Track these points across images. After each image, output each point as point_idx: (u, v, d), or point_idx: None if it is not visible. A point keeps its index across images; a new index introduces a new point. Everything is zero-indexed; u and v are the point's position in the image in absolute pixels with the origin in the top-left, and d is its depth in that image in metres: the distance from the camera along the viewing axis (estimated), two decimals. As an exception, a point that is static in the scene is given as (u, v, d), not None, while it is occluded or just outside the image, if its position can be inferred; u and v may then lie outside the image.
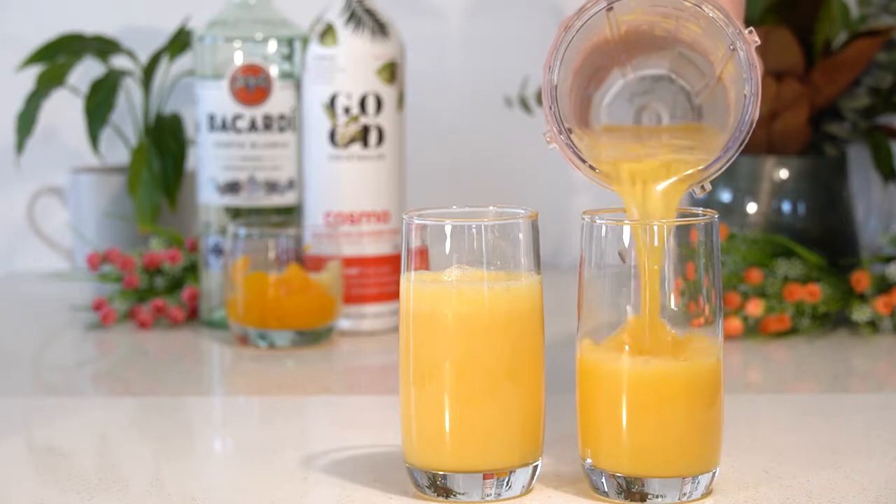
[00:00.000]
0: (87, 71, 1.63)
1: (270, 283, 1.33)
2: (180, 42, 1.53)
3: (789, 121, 1.42)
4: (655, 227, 0.87)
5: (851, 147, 1.52)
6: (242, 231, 1.34)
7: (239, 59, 1.39)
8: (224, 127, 1.39)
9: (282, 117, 1.40)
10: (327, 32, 1.37)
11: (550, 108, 0.90)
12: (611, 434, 0.88)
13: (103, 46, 1.53)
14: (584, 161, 0.90)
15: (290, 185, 1.41)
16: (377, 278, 1.39)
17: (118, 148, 1.64)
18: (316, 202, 1.39)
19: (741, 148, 0.90)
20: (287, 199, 1.41)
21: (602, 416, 0.88)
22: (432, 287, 0.89)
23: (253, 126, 1.39)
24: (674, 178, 0.90)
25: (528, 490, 0.90)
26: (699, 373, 0.88)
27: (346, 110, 1.37)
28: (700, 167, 0.90)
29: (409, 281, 0.90)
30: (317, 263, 1.35)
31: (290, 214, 1.41)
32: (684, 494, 0.88)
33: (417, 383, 0.89)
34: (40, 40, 1.54)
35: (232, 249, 1.34)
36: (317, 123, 1.38)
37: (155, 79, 1.55)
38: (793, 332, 1.35)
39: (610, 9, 0.90)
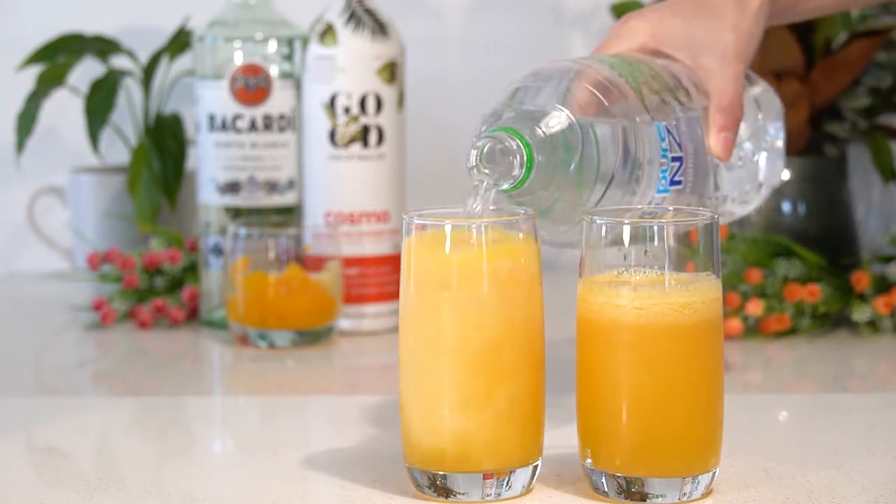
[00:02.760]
0: (87, 71, 1.63)
1: (270, 283, 1.33)
2: (180, 42, 1.53)
3: (789, 121, 1.41)
4: (655, 227, 0.87)
5: (851, 147, 1.52)
6: (242, 231, 1.34)
7: (239, 59, 1.39)
8: (224, 127, 1.39)
9: (282, 117, 1.40)
10: (327, 32, 1.37)
11: None
12: (610, 392, 0.88)
13: (103, 46, 1.54)
14: None
15: (290, 185, 1.41)
16: (377, 278, 1.39)
17: (118, 148, 1.64)
18: (316, 202, 1.39)
19: None
20: (287, 199, 1.41)
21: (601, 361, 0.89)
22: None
23: (253, 126, 1.39)
24: None
25: (528, 490, 0.90)
26: (700, 309, 0.88)
27: (346, 110, 1.37)
28: None
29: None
30: (317, 263, 1.35)
31: (290, 214, 1.41)
32: (684, 494, 0.88)
33: (417, 383, 0.89)
34: (40, 40, 1.54)
35: (232, 249, 1.34)
36: (317, 123, 1.38)
37: (155, 79, 1.55)
38: (793, 332, 1.35)
39: None
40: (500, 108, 0.95)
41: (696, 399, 0.88)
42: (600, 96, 0.94)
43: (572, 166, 0.92)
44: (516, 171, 0.90)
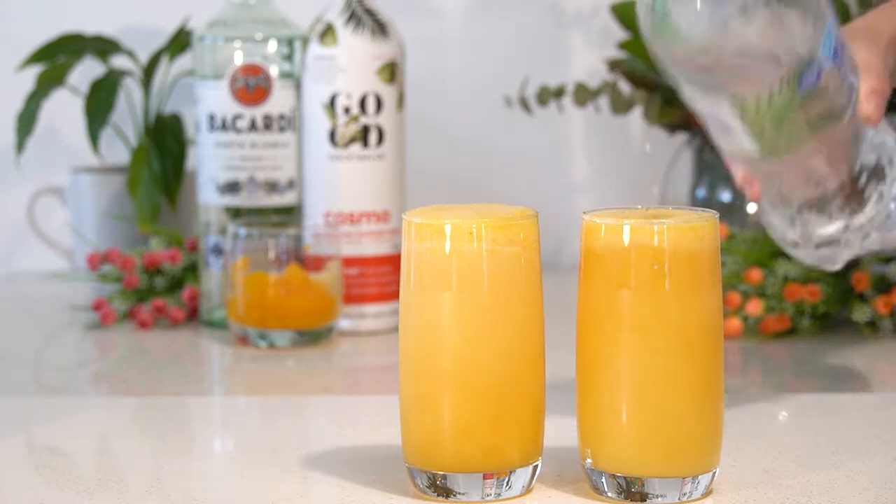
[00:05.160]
0: (87, 71, 1.63)
1: (270, 283, 1.33)
2: (180, 42, 1.53)
3: (789, 121, 1.42)
4: (655, 227, 0.87)
5: (851, 147, 1.51)
6: (242, 231, 1.34)
7: (239, 59, 1.39)
8: (224, 127, 1.39)
9: (282, 117, 1.40)
10: (327, 32, 1.37)
11: None
12: (610, 383, 0.88)
13: (103, 46, 1.54)
14: None
15: (290, 185, 1.41)
16: (377, 278, 1.39)
17: (118, 148, 1.64)
18: (316, 202, 1.39)
19: None
20: (287, 199, 1.41)
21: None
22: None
23: (253, 126, 1.39)
24: None
25: (528, 490, 0.90)
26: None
27: (346, 110, 1.37)
28: None
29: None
30: (317, 263, 1.35)
31: (290, 214, 1.41)
32: (684, 494, 0.88)
33: (417, 383, 0.89)
34: (40, 40, 1.54)
35: (232, 249, 1.34)
36: (317, 123, 1.38)
37: (155, 79, 1.55)
38: (793, 332, 1.35)
39: None
40: None
41: (695, 398, 0.88)
42: None
43: None
44: None
